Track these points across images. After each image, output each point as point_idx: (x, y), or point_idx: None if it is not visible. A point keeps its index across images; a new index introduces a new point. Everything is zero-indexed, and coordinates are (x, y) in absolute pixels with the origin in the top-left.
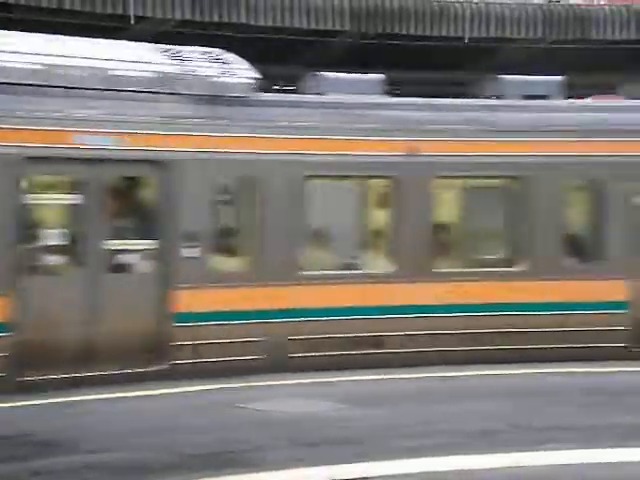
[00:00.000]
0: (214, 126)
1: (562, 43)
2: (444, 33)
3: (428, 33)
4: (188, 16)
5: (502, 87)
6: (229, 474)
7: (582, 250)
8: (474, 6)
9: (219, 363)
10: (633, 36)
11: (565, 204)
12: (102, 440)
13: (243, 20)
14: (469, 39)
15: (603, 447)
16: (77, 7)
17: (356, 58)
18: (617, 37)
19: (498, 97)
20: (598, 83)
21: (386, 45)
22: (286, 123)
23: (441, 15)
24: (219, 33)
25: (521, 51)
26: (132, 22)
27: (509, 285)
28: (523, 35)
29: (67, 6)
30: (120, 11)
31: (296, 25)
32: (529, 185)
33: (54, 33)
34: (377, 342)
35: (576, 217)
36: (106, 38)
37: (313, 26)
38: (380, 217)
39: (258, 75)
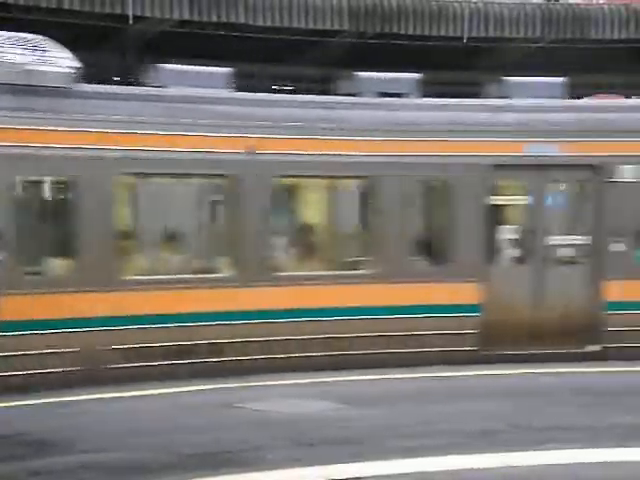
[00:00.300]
0: (23, 118)
1: (561, 42)
2: (443, 33)
3: (427, 33)
4: (187, 16)
5: (358, 84)
6: (225, 474)
7: (434, 252)
8: (473, 6)
9: (27, 377)
10: (632, 35)
11: (416, 205)
12: (98, 440)
13: (242, 20)
14: (468, 39)
15: (603, 447)
16: (76, 7)
17: (355, 58)
18: (616, 36)
19: (354, 94)
20: (597, 83)
21: (385, 45)
22: (111, 116)
23: (440, 15)
24: (218, 33)
25: (520, 50)
26: (131, 22)
27: (357, 288)
28: (522, 34)
29: (66, 6)
30: (119, 11)
31: (295, 25)
32: (378, 185)
33: (53, 33)
34: (212, 350)
35: (428, 218)
36: (105, 38)
37: (312, 26)
38: (218, 218)
39: (78, 64)
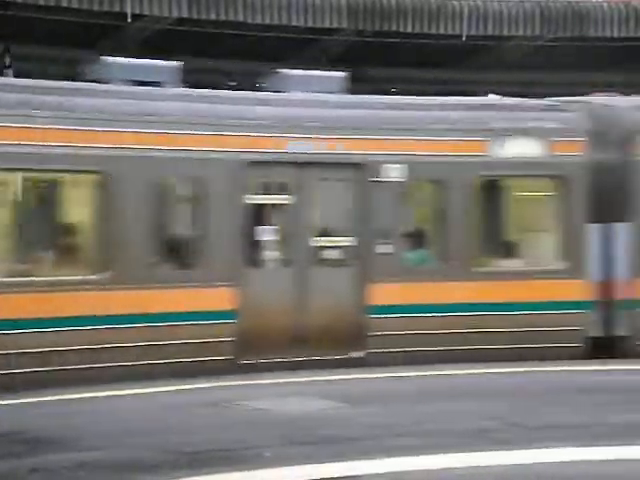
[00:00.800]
0: None
1: (560, 40)
2: (442, 31)
3: (426, 31)
4: (185, 14)
5: (108, 70)
6: (222, 472)
7: (183, 255)
8: (472, 4)
9: None
10: (632, 33)
11: (162, 204)
12: (94, 438)
13: (240, 18)
14: (467, 37)
15: (598, 445)
16: (74, 5)
17: (354, 56)
18: (616, 34)
19: (103, 81)
20: (596, 81)
21: (384, 43)
22: None
23: (439, 13)
24: (216, 31)
25: (519, 48)
26: (129, 20)
27: (87, 296)
28: (521, 33)
29: (64, 4)
30: (117, 9)
31: (294, 23)
32: (112, 181)
33: (51, 31)
34: None
35: (178, 219)
36: (103, 36)
37: (311, 24)
38: None
39: None
